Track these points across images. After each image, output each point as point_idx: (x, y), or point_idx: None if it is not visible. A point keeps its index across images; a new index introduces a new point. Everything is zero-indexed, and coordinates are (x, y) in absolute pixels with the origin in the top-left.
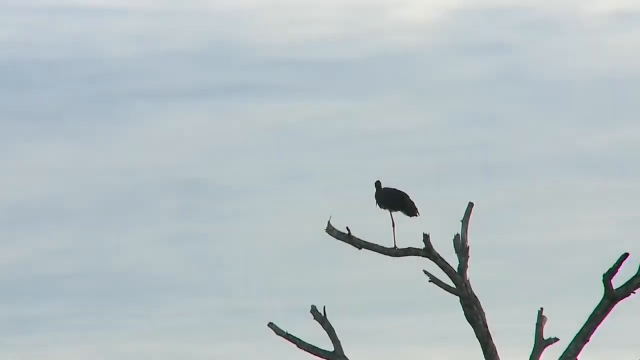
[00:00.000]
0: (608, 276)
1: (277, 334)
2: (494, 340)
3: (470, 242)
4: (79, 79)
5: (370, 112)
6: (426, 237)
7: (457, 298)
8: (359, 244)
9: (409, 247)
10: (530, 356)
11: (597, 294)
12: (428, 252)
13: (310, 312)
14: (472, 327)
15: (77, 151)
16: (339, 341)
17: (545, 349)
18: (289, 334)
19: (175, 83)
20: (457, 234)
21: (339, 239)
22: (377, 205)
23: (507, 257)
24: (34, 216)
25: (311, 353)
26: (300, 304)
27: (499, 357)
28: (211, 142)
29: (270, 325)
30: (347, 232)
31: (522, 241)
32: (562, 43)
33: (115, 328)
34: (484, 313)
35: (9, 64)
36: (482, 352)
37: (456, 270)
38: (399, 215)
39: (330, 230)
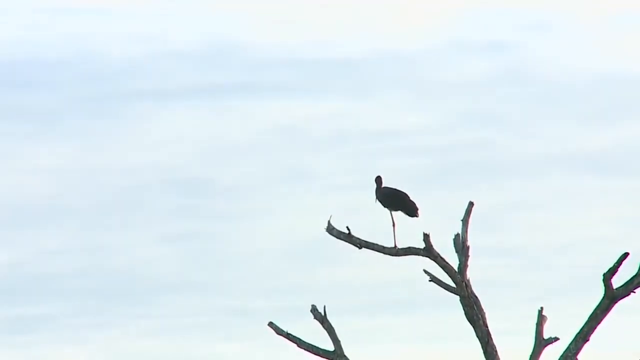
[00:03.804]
0: (608, 276)
1: (277, 333)
2: (494, 340)
3: (470, 241)
4: (79, 79)
5: (370, 112)
6: (426, 237)
7: (457, 298)
8: (359, 244)
9: (409, 247)
10: (530, 356)
11: (597, 294)
12: (428, 251)
13: (310, 311)
14: (472, 326)
15: (77, 151)
16: (339, 341)
17: (545, 348)
18: (289, 334)
19: (176, 83)
20: (457, 234)
21: (339, 238)
22: (377, 201)
23: (507, 257)
24: (34, 216)
25: (311, 353)
26: (300, 304)
27: (499, 356)
28: (211, 142)
29: (270, 325)
30: (347, 231)
31: (522, 241)
32: (562, 43)
33: (115, 328)
34: (484, 313)
35: (9, 64)
36: (482, 352)
37: (456, 270)
38: (399, 214)
39: (330, 230)
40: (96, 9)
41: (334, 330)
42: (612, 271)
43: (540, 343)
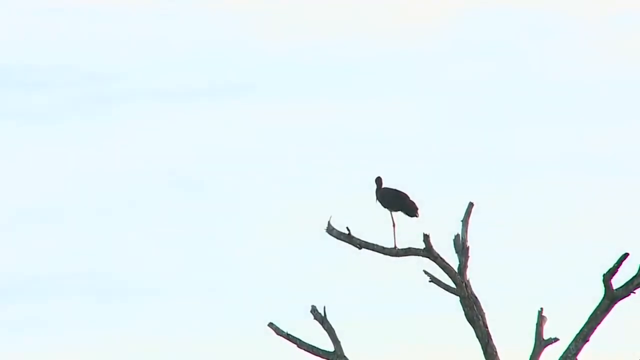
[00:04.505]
0: (608, 276)
1: (277, 334)
2: (494, 341)
3: (470, 242)
4: (79, 80)
5: (370, 113)
6: (426, 237)
7: (457, 298)
8: (359, 244)
9: (409, 247)
10: (530, 356)
11: (597, 294)
12: (428, 252)
13: (310, 312)
14: (472, 327)
15: (77, 152)
16: (339, 341)
17: (545, 349)
18: (289, 334)
19: (175, 84)
20: (457, 234)
21: (339, 239)
22: (377, 201)
23: (507, 257)
24: (33, 216)
25: (311, 353)
26: (300, 304)
27: (499, 357)
28: (211, 142)
29: (270, 325)
30: (347, 232)
31: (522, 241)
32: (563, 44)
33: (115, 328)
34: (484, 313)
35: (8, 65)
36: (482, 352)
37: (456, 271)
38: (399, 215)
39: (330, 230)
40: (96, 10)
41: (334, 331)
42: (612, 272)
43: (540, 343)
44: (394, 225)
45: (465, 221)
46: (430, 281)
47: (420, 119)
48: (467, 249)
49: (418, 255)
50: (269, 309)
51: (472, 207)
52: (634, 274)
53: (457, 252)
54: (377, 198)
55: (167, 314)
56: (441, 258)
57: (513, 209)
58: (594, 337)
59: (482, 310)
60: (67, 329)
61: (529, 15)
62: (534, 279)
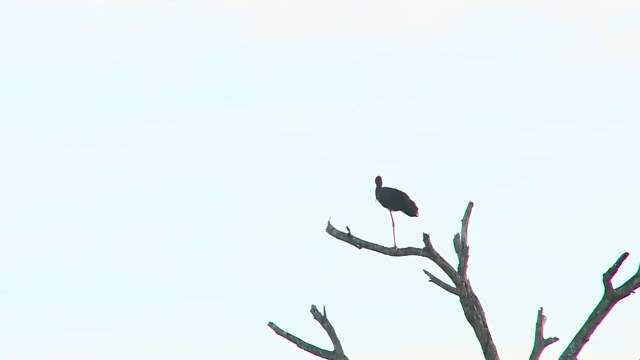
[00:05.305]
0: (608, 276)
1: (277, 334)
2: (494, 340)
3: (470, 242)
4: (80, 81)
5: (370, 113)
6: (426, 237)
7: (457, 298)
8: (359, 244)
9: (409, 247)
10: (530, 356)
11: (597, 294)
12: (428, 251)
13: (310, 312)
14: (472, 327)
15: (78, 152)
16: (339, 341)
17: (545, 348)
18: (289, 334)
19: (176, 85)
20: (457, 234)
21: (339, 238)
22: (376, 201)
23: (507, 257)
24: (34, 217)
25: (311, 353)
26: (300, 304)
27: (499, 357)
28: (211, 142)
29: (270, 325)
30: (347, 231)
31: (522, 241)
32: (562, 45)
33: (115, 328)
34: (484, 313)
35: (9, 65)
36: (482, 352)
37: (456, 270)
38: (399, 214)
39: (330, 230)
40: (96, 11)
41: (334, 331)
42: (612, 271)
43: (540, 343)
44: (393, 225)
45: (465, 221)
46: (430, 281)
47: (420, 119)
48: (467, 248)
49: (418, 254)
50: (269, 308)
51: (472, 207)
52: (634, 274)
53: (457, 252)
54: (377, 198)
55: (167, 313)
56: (441, 258)
57: (513, 209)
58: (593, 337)
59: (482, 310)
60: (67, 329)
61: (528, 15)
62: (534, 279)
